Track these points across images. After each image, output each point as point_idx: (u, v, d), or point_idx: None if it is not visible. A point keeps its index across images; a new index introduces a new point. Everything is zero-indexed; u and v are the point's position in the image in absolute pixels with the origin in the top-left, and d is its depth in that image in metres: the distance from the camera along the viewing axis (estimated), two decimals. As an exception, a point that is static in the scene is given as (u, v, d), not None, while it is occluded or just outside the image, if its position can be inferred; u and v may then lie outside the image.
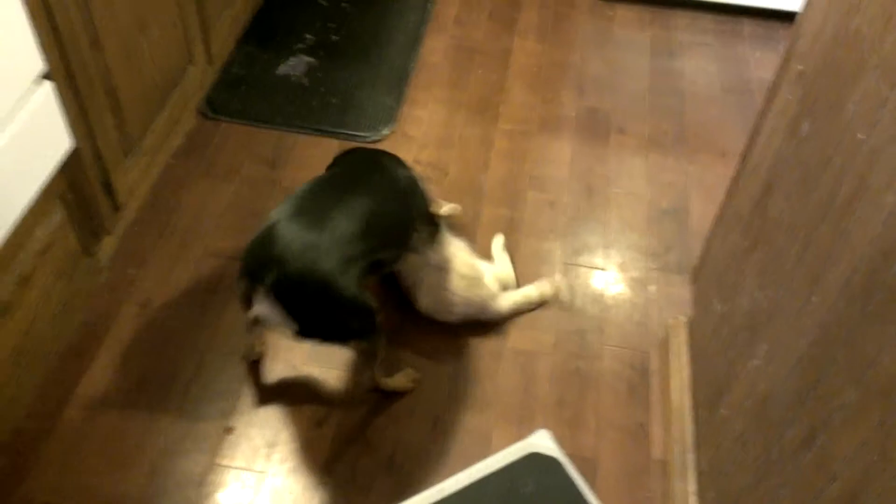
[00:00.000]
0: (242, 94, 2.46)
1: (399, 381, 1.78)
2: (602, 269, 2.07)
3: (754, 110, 1.52)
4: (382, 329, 1.65)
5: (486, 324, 1.93)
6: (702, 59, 2.74)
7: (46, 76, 1.56)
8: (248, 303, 1.58)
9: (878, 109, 0.96)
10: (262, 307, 1.54)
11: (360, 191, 1.66)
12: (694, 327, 1.72)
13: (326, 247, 1.53)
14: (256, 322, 1.61)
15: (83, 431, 1.68)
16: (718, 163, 2.37)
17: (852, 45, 1.08)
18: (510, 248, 2.10)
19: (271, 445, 1.68)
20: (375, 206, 1.65)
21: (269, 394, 1.77)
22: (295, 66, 2.57)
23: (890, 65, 0.96)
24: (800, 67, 1.28)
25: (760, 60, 2.74)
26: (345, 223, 1.57)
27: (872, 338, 0.90)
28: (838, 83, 1.11)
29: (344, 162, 1.85)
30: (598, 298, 2.00)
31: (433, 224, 1.90)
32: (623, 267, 2.08)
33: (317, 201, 1.63)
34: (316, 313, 1.56)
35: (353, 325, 1.60)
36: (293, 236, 1.54)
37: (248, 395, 1.76)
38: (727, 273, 1.51)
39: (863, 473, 0.89)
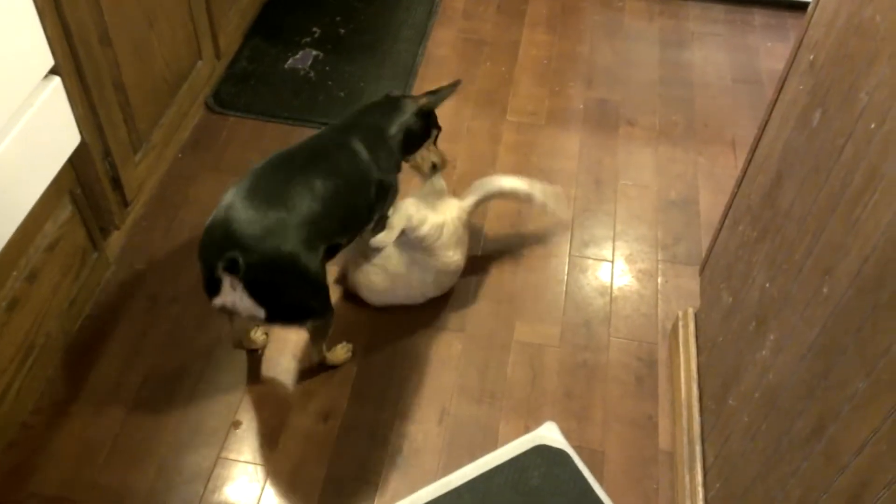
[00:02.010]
0: (250, 88, 2.46)
1: (339, 354, 1.81)
2: (610, 261, 2.06)
3: (765, 101, 1.50)
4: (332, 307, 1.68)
5: (494, 316, 1.92)
6: (712, 50, 2.72)
7: (55, 72, 1.57)
8: (211, 290, 1.53)
9: (892, 99, 0.95)
10: (229, 297, 1.51)
11: (321, 170, 1.60)
12: (702, 318, 1.71)
13: (287, 226, 1.50)
14: (223, 311, 1.56)
15: (91, 427, 1.68)
16: (728, 153, 2.36)
17: (866, 35, 1.07)
18: (517, 242, 2.09)
19: (278, 439, 1.69)
20: (335, 188, 1.59)
21: (277, 388, 1.77)
22: (302, 59, 2.57)
23: (903, 53, 0.95)
24: (811, 57, 1.27)
25: (771, 50, 2.72)
26: (305, 202, 1.53)
27: (883, 328, 0.89)
28: (851, 73, 1.09)
29: (314, 136, 1.77)
30: (605, 290, 1.99)
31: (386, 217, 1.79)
32: (631, 259, 2.07)
33: (274, 179, 1.57)
34: (283, 297, 1.54)
35: (314, 304, 1.60)
36: (252, 218, 1.48)
37: (255, 389, 1.77)
38: (736, 264, 1.50)
39: (872, 464, 0.88)
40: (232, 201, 1.52)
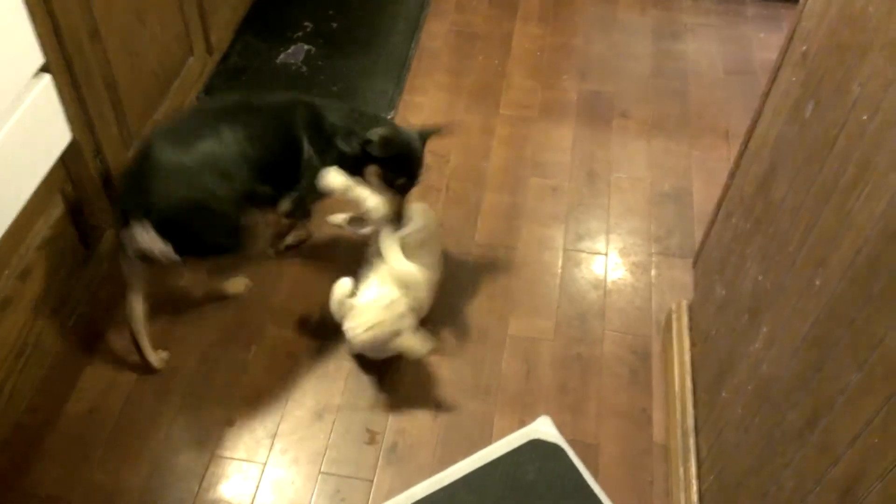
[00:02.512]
0: (242, 83, 2.44)
1: (236, 284, 1.90)
2: (604, 255, 2.06)
3: (758, 92, 1.50)
4: (248, 244, 1.77)
5: (488, 311, 1.92)
6: (705, 41, 2.71)
7: (46, 70, 1.55)
8: (122, 228, 1.64)
9: (884, 90, 0.95)
10: (142, 239, 1.60)
11: (242, 121, 1.70)
12: (695, 311, 1.71)
13: (198, 168, 1.62)
14: (140, 254, 1.64)
15: (85, 425, 1.68)
16: (721, 145, 2.35)
17: (858, 26, 1.07)
18: (511, 236, 2.09)
19: (272, 436, 1.68)
20: (253, 139, 1.68)
21: (270, 385, 1.77)
22: (294, 54, 2.55)
23: (896, 45, 0.94)
24: (804, 48, 1.27)
25: (764, 41, 2.71)
26: (218, 147, 1.65)
27: (876, 320, 0.89)
28: (843, 64, 1.09)
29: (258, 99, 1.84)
30: (599, 283, 1.99)
31: (310, 194, 1.80)
32: (624, 252, 2.07)
33: (193, 124, 1.70)
34: (191, 237, 1.65)
35: (225, 242, 1.71)
36: (167, 162, 1.61)
37: (248, 386, 1.76)
38: (729, 256, 1.49)
39: (865, 456, 0.88)
40: (149, 145, 1.64)
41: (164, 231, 1.59)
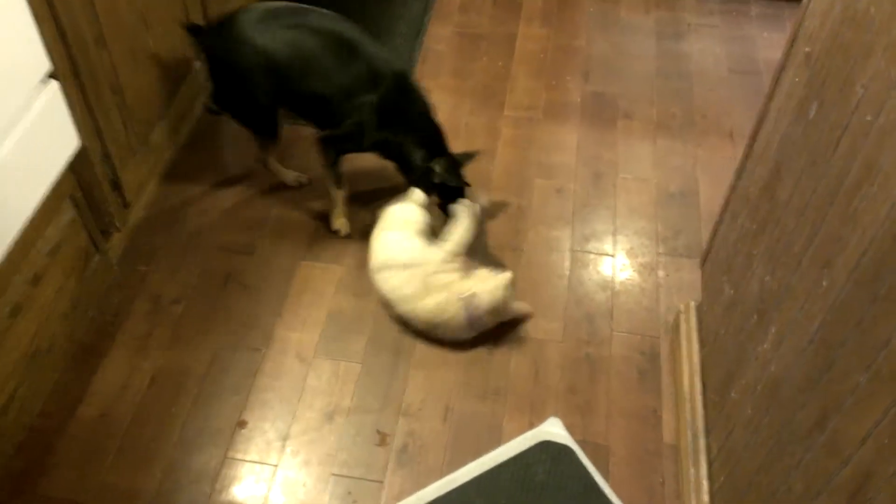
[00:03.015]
0: (248, 87, 2.46)
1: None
2: (611, 255, 2.07)
3: (762, 91, 1.50)
4: (274, 145, 2.08)
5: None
6: (709, 41, 2.72)
7: (53, 76, 1.57)
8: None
9: (887, 91, 0.95)
10: (200, 68, 1.99)
11: (330, 52, 1.87)
12: (703, 311, 1.72)
13: (254, 50, 1.84)
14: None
15: (98, 429, 1.69)
16: (727, 145, 2.36)
17: (861, 27, 1.07)
18: (518, 238, 2.10)
19: (284, 438, 1.70)
20: (323, 73, 1.87)
21: (281, 387, 1.78)
22: (299, 58, 2.56)
23: (899, 46, 0.95)
24: (807, 49, 1.27)
25: (768, 41, 2.72)
26: (286, 55, 1.85)
27: (883, 321, 0.90)
28: (847, 65, 1.10)
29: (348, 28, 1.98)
30: (607, 284, 2.00)
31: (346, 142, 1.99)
32: (632, 252, 2.07)
33: (288, 25, 1.88)
34: (222, 89, 1.96)
35: (249, 115, 2.00)
36: (238, 23, 1.86)
37: (260, 388, 1.78)
38: (736, 257, 1.50)
39: (874, 456, 0.89)
40: (242, 9, 1.89)
41: (210, 71, 1.94)
